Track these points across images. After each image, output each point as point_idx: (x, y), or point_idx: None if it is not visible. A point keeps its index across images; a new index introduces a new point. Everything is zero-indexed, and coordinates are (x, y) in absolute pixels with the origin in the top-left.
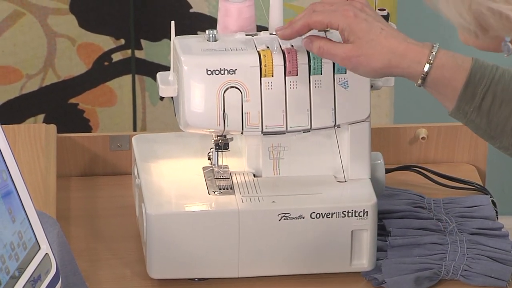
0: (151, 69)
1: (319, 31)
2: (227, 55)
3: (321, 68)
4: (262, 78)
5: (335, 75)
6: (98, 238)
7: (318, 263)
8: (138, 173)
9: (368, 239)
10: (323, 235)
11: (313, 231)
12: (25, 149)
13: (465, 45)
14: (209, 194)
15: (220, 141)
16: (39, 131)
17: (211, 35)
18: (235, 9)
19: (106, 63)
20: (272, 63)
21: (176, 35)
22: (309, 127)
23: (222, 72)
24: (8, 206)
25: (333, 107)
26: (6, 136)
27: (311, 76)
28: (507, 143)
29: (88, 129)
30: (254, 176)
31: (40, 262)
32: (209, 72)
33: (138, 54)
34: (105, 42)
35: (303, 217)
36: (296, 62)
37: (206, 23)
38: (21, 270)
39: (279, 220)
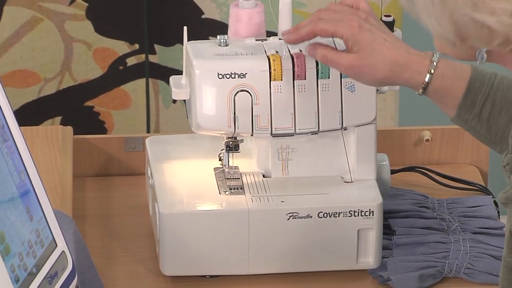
0: (164, 73)
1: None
2: (237, 60)
3: (329, 72)
4: (271, 82)
5: (342, 79)
6: (113, 237)
7: (325, 261)
8: (151, 174)
9: (374, 238)
10: (330, 234)
11: (321, 230)
12: (43, 150)
13: None
14: (220, 194)
15: (230, 142)
16: (56, 133)
17: (222, 40)
18: (245, 15)
19: (121, 67)
20: (281, 67)
21: (188, 40)
22: (317, 129)
23: (233, 76)
24: (26, 205)
25: (340, 110)
26: (24, 138)
27: (319, 80)
28: (507, 148)
29: (104, 131)
30: (264, 176)
31: (57, 259)
32: (220, 76)
33: (152, 58)
34: (120, 47)
35: (311, 217)
36: (305, 67)
37: (217, 28)
38: (38, 267)
39: (288, 220)
